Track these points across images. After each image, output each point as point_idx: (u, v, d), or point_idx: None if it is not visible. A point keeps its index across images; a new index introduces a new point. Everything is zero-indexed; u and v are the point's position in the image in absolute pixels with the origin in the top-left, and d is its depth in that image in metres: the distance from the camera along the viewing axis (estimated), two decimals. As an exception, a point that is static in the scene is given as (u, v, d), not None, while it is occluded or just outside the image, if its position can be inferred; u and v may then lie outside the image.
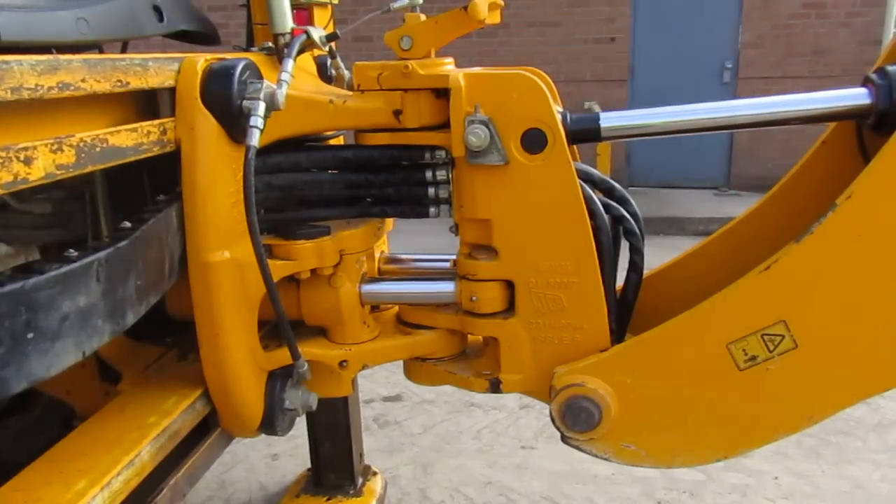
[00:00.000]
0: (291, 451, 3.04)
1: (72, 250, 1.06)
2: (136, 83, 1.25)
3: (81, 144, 1.10)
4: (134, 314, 1.20)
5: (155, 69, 1.31)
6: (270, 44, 1.74)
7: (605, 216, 1.59)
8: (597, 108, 7.08)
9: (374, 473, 2.73)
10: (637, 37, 7.77)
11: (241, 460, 2.98)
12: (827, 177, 1.70)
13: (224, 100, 1.38)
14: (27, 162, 0.99)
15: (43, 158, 1.02)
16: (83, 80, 1.11)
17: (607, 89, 7.77)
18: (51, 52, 1.18)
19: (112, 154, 1.17)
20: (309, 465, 2.73)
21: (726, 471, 2.79)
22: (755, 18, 7.53)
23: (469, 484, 2.76)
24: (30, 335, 0.96)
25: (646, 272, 1.73)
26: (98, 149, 1.14)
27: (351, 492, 2.61)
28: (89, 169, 1.12)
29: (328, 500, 2.58)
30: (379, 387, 3.55)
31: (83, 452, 1.25)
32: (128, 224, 1.22)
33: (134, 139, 1.24)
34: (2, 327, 0.92)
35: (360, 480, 2.66)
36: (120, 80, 1.20)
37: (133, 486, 1.25)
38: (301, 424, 2.64)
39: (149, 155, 1.29)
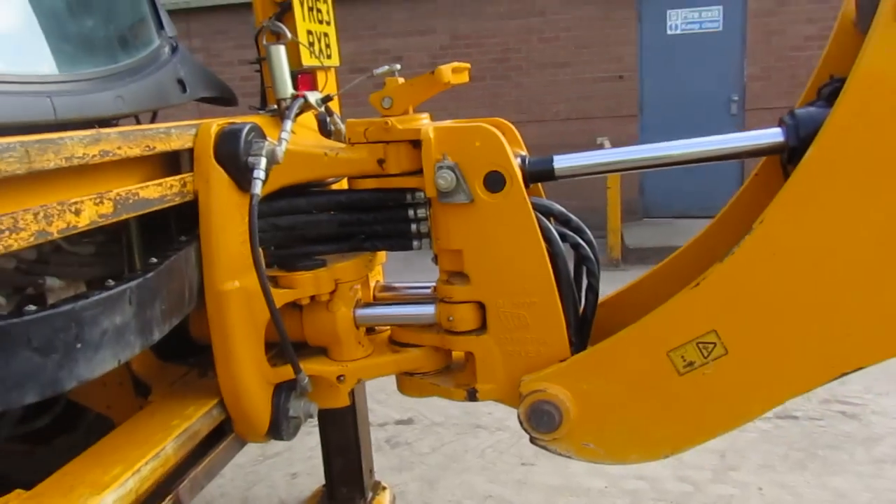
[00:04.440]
0: (310, 470, 3.28)
1: (110, 280, 1.35)
2: (161, 147, 1.55)
3: (118, 197, 1.39)
4: (160, 332, 1.49)
5: (177, 135, 1.61)
6: (275, 106, 2.06)
7: (562, 244, 1.84)
8: (607, 144, 7.34)
9: (384, 488, 2.96)
10: (644, 74, 8.05)
11: (262, 479, 3.24)
12: (759, 204, 1.92)
13: (233, 157, 1.67)
14: (77, 213, 1.29)
15: (88, 210, 1.32)
16: (119, 148, 1.41)
17: (618, 125, 8.03)
18: (94, 126, 1.48)
19: (142, 204, 1.47)
20: (320, 488, 2.98)
21: (713, 482, 2.96)
22: (759, 52, 7.77)
23: (471, 498, 2.97)
24: (78, 345, 1.25)
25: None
26: (131, 200, 1.44)
27: (361, 504, 2.85)
28: (124, 217, 1.42)
29: (341, 511, 2.82)
30: (392, 411, 3.79)
31: (118, 447, 1.53)
32: (154, 259, 1.51)
33: (160, 192, 1.54)
34: (58, 339, 1.21)
35: (371, 494, 2.90)
36: (148, 146, 1.50)
37: (158, 475, 1.52)
38: (318, 444, 2.90)
39: (172, 204, 1.59)
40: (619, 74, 8.01)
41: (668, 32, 7.87)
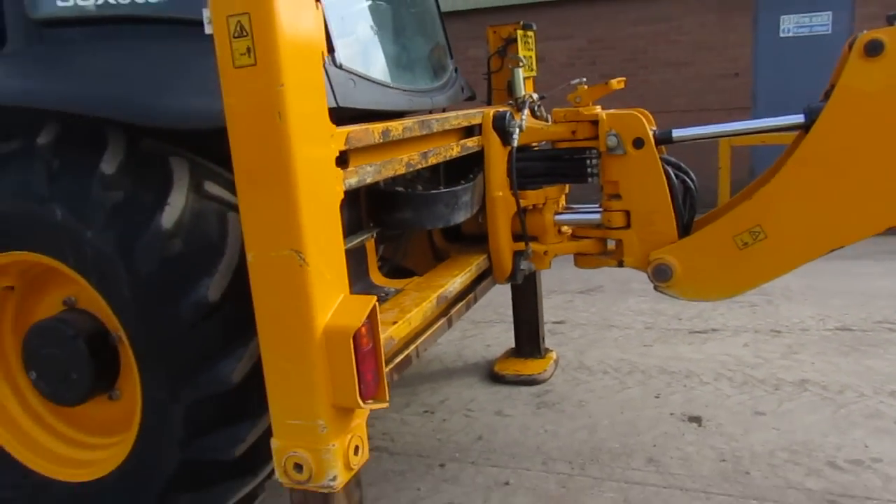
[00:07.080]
0: (498, 344, 4.88)
1: (462, 181, 2.97)
2: (473, 122, 3.16)
3: (461, 144, 3.01)
4: (476, 209, 3.10)
5: (476, 115, 3.22)
6: (511, 101, 3.65)
7: (676, 180, 3.30)
8: (722, 132, 8.51)
9: (551, 350, 4.53)
10: (758, 72, 9.13)
11: (467, 346, 4.88)
12: (795, 159, 3.30)
13: (502, 127, 3.25)
14: (451, 149, 2.91)
15: (455, 148, 2.94)
16: (462, 121, 3.02)
17: (732, 116, 9.08)
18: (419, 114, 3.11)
19: (468, 149, 3.09)
20: (509, 348, 4.57)
21: (779, 359, 4.29)
22: (867, 51, 8.65)
23: (609, 359, 4.47)
24: (455, 206, 2.87)
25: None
26: (464, 147, 3.05)
27: (538, 356, 4.42)
28: (463, 154, 3.03)
29: (525, 359, 4.41)
30: (549, 316, 5.33)
31: (450, 269, 3.16)
32: (471, 176, 3.13)
33: (472, 143, 3.15)
34: (450, 201, 2.84)
35: (544, 353, 4.47)
36: (469, 121, 3.12)
37: (467, 282, 3.13)
38: (507, 330, 4.47)
39: (473, 151, 3.19)
40: (734, 72, 9.15)
41: (781, 35, 8.93)
